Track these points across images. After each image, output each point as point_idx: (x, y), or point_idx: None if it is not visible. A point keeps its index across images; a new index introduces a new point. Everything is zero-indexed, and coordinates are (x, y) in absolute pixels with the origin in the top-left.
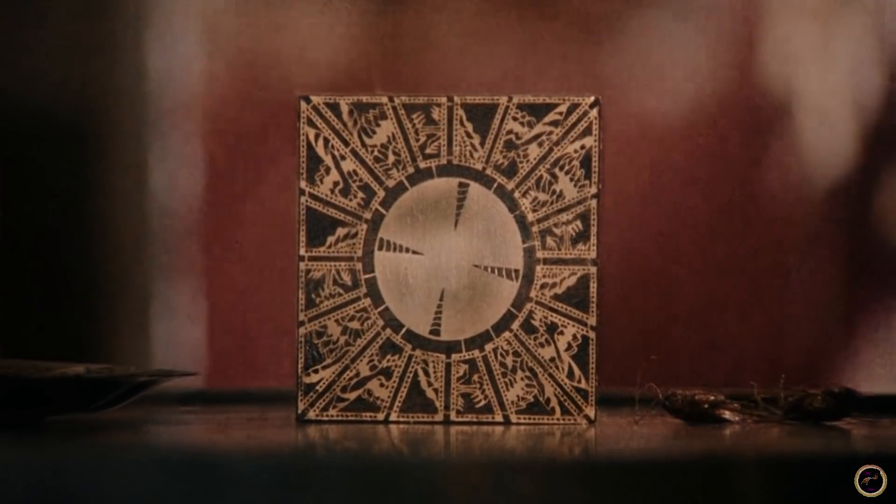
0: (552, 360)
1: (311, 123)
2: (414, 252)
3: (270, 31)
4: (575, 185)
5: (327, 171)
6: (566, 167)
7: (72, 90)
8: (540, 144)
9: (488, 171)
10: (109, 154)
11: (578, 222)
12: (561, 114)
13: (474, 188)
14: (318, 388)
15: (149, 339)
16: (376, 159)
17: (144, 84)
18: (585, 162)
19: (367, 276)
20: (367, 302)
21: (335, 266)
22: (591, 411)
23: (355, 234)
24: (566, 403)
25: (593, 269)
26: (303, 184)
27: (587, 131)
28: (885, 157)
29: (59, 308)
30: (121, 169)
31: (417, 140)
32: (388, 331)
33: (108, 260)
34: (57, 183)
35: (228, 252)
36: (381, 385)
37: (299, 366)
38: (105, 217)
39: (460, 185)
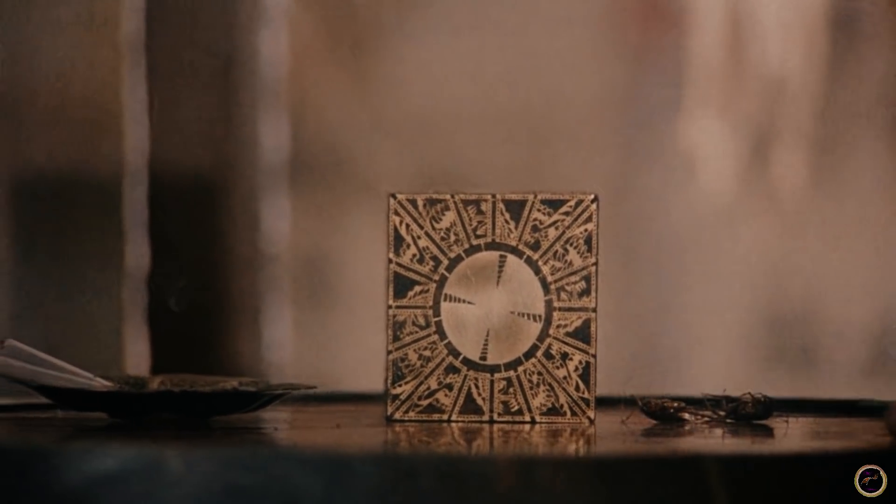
0: (564, 377)
1: (396, 213)
2: (468, 302)
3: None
4: (580, 256)
5: (408, 246)
6: (574, 244)
7: (207, 156)
8: (556, 228)
9: (520, 247)
10: (231, 205)
11: (583, 282)
12: (571, 206)
13: (510, 258)
14: (401, 397)
15: (259, 347)
16: (442, 238)
17: (258, 154)
18: (588, 240)
19: (436, 319)
20: (435, 337)
21: (413, 312)
22: (591, 414)
23: (427, 290)
24: (574, 408)
25: (593, 315)
26: (391, 255)
27: (589, 219)
28: None
29: (193, 322)
30: (239, 216)
31: (471, 225)
32: (450, 357)
33: (229, 286)
34: (193, 227)
35: (319, 282)
36: (446, 395)
37: (388, 381)
38: (227, 254)
39: (500, 256)
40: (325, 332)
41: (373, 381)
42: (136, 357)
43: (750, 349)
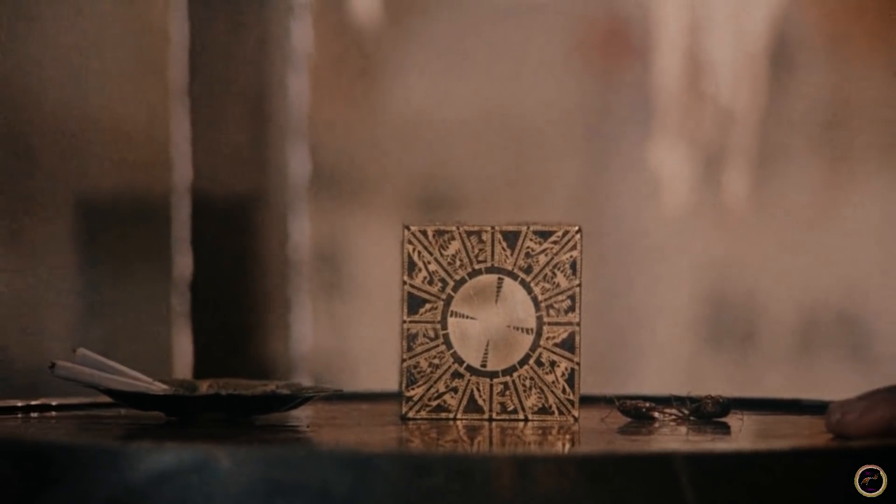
0: (553, 382)
1: (410, 242)
2: (471, 318)
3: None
4: (566, 279)
5: (419, 270)
6: (561, 268)
7: (241, 179)
8: (546, 254)
9: (515, 271)
10: (263, 220)
11: (568, 301)
12: (559, 236)
13: (507, 280)
14: (414, 398)
15: (287, 342)
16: (448, 263)
17: (285, 175)
18: (573, 265)
19: (444, 332)
20: (443, 347)
21: (424, 326)
22: (576, 413)
23: (436, 308)
24: (561, 408)
25: (577, 328)
26: (405, 277)
27: (574, 247)
28: None
29: (230, 321)
30: (271, 227)
31: (473, 252)
32: (456, 364)
33: (262, 290)
34: (230, 240)
35: (339, 287)
36: (452, 397)
37: (403, 385)
38: (260, 261)
39: (498, 278)
40: (342, 327)
41: (379, 367)
42: (182, 353)
43: (700, 340)
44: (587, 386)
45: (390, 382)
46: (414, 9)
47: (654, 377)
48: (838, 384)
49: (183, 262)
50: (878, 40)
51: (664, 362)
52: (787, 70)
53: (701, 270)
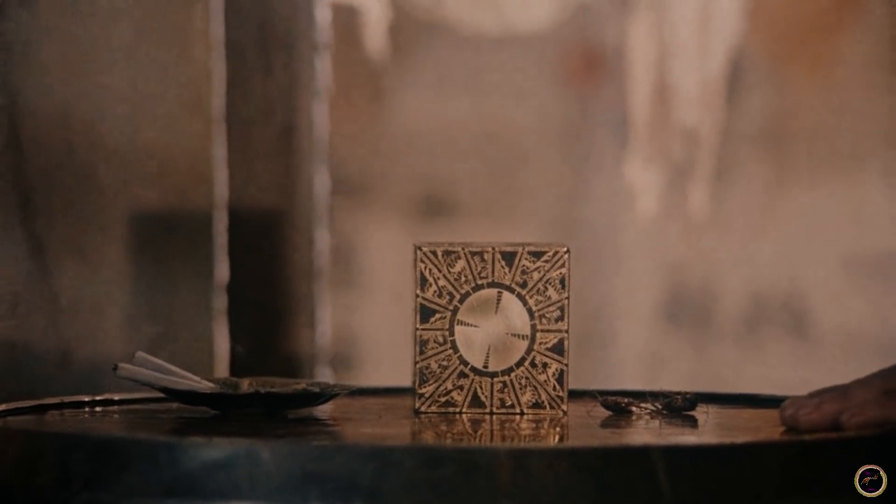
0: (545, 380)
1: (422, 261)
2: (475, 326)
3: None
4: (556, 292)
5: (430, 285)
6: (552, 283)
7: (272, 195)
8: (539, 271)
9: (512, 285)
10: (292, 228)
11: (558, 311)
12: (550, 256)
13: (505, 294)
14: (425, 395)
15: (313, 338)
16: (455, 279)
17: (311, 191)
18: (562, 281)
19: (451, 338)
20: (451, 351)
21: (434, 333)
22: (565, 407)
23: (445, 317)
24: (552, 403)
25: (566, 335)
26: (418, 291)
27: (563, 265)
28: None
29: (263, 320)
30: (298, 237)
31: (476, 269)
32: (461, 366)
33: (289, 285)
34: (263, 248)
35: (354, 287)
36: (458, 394)
37: (416, 384)
38: (289, 262)
39: (498, 292)
40: (357, 323)
41: (389, 357)
42: (221, 348)
43: (669, 333)
44: (574, 382)
45: (398, 369)
46: (415, 40)
47: (630, 370)
48: (783, 360)
49: (221, 269)
50: (815, 64)
51: (637, 354)
52: (740, 90)
53: (667, 271)
